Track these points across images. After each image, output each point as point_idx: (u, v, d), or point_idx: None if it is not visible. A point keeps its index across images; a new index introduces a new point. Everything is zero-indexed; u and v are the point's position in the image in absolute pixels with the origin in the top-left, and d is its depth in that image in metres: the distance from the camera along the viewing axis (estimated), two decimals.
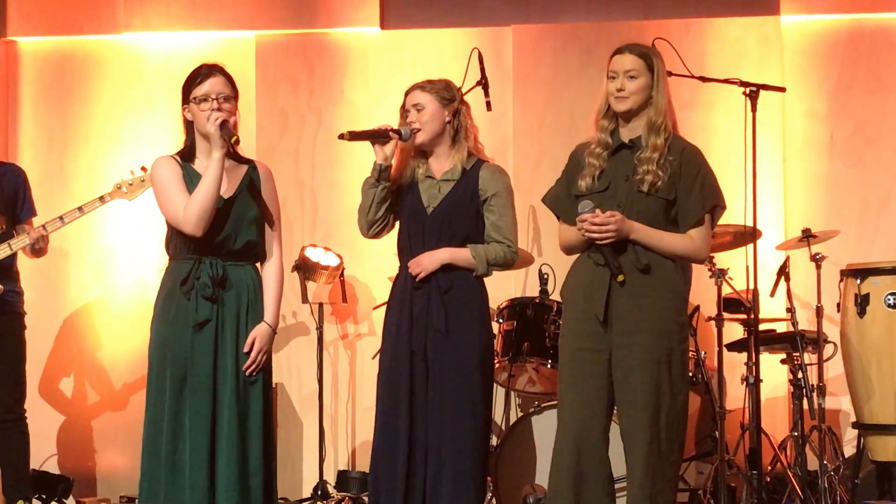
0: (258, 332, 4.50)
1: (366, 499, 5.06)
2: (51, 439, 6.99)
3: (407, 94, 4.74)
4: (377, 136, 4.62)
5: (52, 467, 7.00)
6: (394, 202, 4.73)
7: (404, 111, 4.72)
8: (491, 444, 5.74)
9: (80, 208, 5.81)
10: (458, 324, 4.64)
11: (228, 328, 4.49)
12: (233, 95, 4.56)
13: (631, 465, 4.34)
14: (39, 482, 6.51)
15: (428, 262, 4.64)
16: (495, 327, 5.88)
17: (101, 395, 7.18)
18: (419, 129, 4.64)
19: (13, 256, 5.84)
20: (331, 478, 6.68)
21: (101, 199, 5.81)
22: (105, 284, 7.19)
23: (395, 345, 4.69)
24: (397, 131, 4.62)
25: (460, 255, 4.66)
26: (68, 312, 7.16)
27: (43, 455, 6.86)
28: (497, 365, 5.82)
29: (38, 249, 5.80)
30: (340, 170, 6.97)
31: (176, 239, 4.54)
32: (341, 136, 4.62)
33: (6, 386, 5.88)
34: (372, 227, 4.71)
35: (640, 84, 4.37)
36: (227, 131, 4.42)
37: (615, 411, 4.41)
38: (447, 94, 4.72)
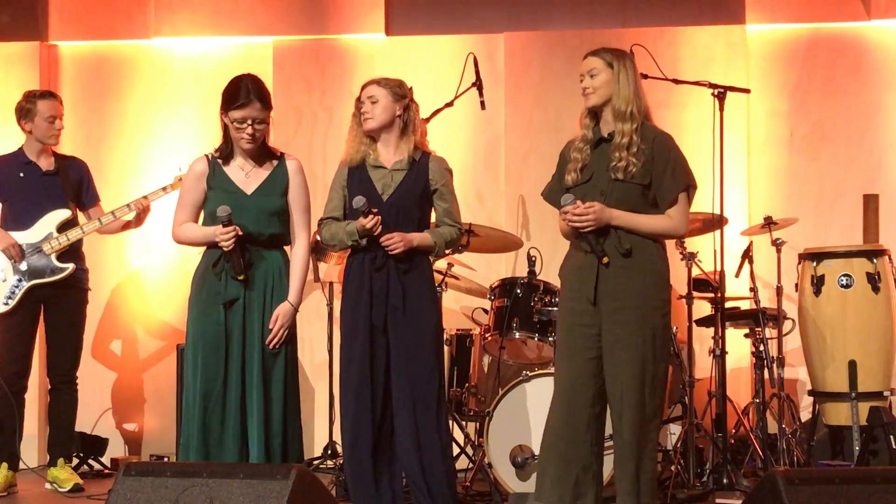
0: (281, 310, 4.54)
1: None
2: (99, 405, 6.97)
3: (364, 87, 4.76)
4: (367, 234, 4.63)
5: (106, 426, 7.00)
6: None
7: (359, 102, 4.74)
8: (483, 409, 5.75)
9: (145, 196, 5.98)
10: (414, 301, 4.67)
11: (255, 306, 4.53)
12: (266, 115, 4.60)
13: (619, 428, 4.36)
14: (81, 443, 6.51)
15: (407, 240, 4.64)
16: (486, 304, 5.88)
17: (145, 356, 7.18)
18: (370, 118, 4.70)
19: (80, 238, 5.90)
20: (339, 439, 6.67)
21: (164, 189, 5.90)
22: (151, 256, 7.19)
23: (355, 319, 4.70)
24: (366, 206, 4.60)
25: (424, 239, 4.71)
26: (115, 283, 7.15)
27: (91, 421, 6.84)
28: (488, 338, 5.83)
29: (138, 220, 6.01)
30: None
31: (210, 226, 4.56)
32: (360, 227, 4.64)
33: (65, 354, 5.94)
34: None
35: (600, 80, 4.41)
36: (232, 267, 4.52)
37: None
38: (400, 90, 4.75)
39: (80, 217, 5.98)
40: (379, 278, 4.66)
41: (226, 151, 4.62)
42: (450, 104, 5.63)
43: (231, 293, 4.49)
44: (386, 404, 4.68)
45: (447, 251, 4.86)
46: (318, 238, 4.88)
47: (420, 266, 4.72)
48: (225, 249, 4.46)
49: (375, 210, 4.58)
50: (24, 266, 5.81)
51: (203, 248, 4.67)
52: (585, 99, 4.45)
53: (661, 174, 4.39)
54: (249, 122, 4.52)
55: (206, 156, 4.66)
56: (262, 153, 4.65)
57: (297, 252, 4.67)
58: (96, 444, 6.69)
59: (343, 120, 7.00)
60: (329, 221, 4.78)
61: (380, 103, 4.68)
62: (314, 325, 6.97)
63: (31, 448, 6.50)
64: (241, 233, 4.45)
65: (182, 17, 7.22)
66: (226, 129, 4.61)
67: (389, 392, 4.68)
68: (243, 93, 4.54)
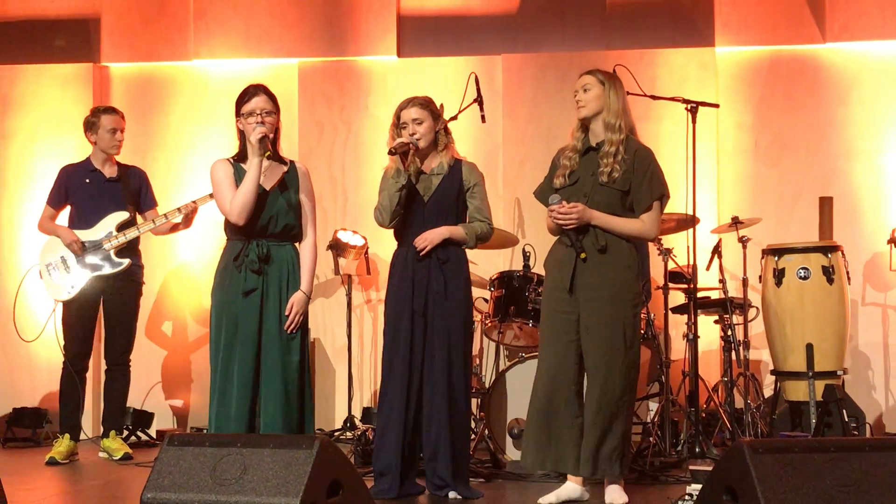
0: (295, 298, 4.52)
1: None
2: (147, 383, 6.99)
3: (403, 109, 4.69)
4: (406, 150, 4.60)
5: (155, 401, 7.03)
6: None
7: (401, 124, 4.69)
8: (484, 387, 5.76)
9: (194, 200, 5.93)
10: (453, 288, 4.65)
11: (272, 295, 4.51)
12: (274, 110, 4.58)
13: (588, 406, 4.37)
14: (130, 416, 6.53)
15: (432, 237, 4.63)
16: (487, 294, 5.89)
17: (190, 340, 7.20)
18: (420, 139, 4.64)
19: (138, 237, 5.94)
20: (357, 413, 6.69)
21: (211, 195, 5.89)
22: (193, 255, 7.20)
23: (398, 306, 4.68)
24: (413, 143, 4.61)
25: (456, 231, 4.67)
26: (162, 277, 7.17)
27: (140, 398, 6.86)
28: (489, 324, 5.84)
29: (187, 221, 5.95)
30: (365, 169, 6.97)
31: (230, 225, 4.55)
32: (391, 153, 4.61)
33: (119, 340, 5.96)
34: (394, 220, 4.69)
35: (592, 94, 4.43)
36: (264, 146, 4.45)
37: None
38: (436, 109, 4.74)
39: (138, 219, 5.99)
40: (421, 268, 4.65)
41: (242, 155, 4.61)
42: (454, 118, 5.62)
43: (250, 284, 4.49)
44: (421, 383, 4.65)
45: (480, 243, 4.79)
46: (377, 220, 4.80)
47: (456, 257, 4.70)
48: (259, 135, 4.44)
49: (409, 142, 4.60)
50: (86, 260, 5.84)
51: (224, 244, 4.67)
52: (578, 111, 4.46)
53: (639, 183, 4.41)
54: (258, 112, 4.51)
55: (224, 159, 4.64)
56: (274, 157, 4.59)
57: (307, 246, 4.64)
58: (144, 419, 6.72)
59: (360, 131, 7.06)
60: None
61: (424, 124, 4.65)
62: (335, 313, 6.99)
63: (87, 421, 6.50)
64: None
65: (218, 41, 7.24)
66: (242, 135, 4.61)
67: (425, 371, 4.64)
68: (251, 90, 4.58)
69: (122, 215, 5.92)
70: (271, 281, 4.51)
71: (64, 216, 6.06)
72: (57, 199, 6.01)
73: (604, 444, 4.31)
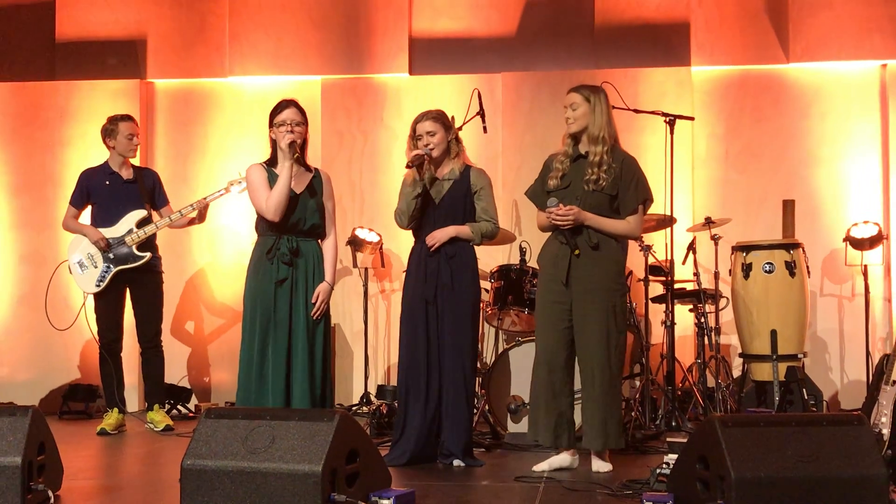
0: (321, 288, 4.56)
1: (395, 404, 5.05)
2: (182, 363, 7.00)
3: (419, 121, 4.69)
4: (421, 161, 4.60)
5: (184, 383, 7.04)
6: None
7: (416, 136, 4.68)
8: (485, 367, 5.76)
9: (205, 198, 5.95)
10: (459, 280, 4.65)
11: (301, 285, 4.54)
12: (303, 121, 4.63)
13: (590, 385, 4.36)
14: (170, 393, 6.54)
15: (441, 235, 4.64)
16: (488, 285, 5.89)
17: (212, 330, 7.20)
18: (433, 148, 4.63)
19: (154, 233, 5.92)
20: (372, 390, 6.69)
21: (220, 192, 5.92)
22: (214, 253, 7.20)
23: (413, 295, 4.69)
24: (427, 153, 4.61)
25: (463, 230, 4.67)
26: (190, 273, 7.17)
27: (178, 376, 6.89)
28: (489, 311, 5.84)
29: (201, 216, 5.95)
30: (380, 174, 6.97)
31: (263, 222, 4.57)
32: (408, 166, 4.61)
33: (149, 324, 5.95)
34: (411, 223, 4.69)
35: (580, 112, 4.42)
36: (293, 150, 4.50)
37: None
38: (448, 122, 4.74)
39: (154, 216, 5.98)
40: (431, 263, 4.65)
41: (273, 160, 4.64)
42: (459, 129, 5.60)
43: (282, 274, 4.51)
44: (434, 364, 4.65)
45: (485, 241, 4.78)
46: (397, 222, 4.80)
47: (463, 252, 4.69)
48: (288, 140, 4.49)
49: (424, 153, 4.60)
50: (110, 255, 5.82)
51: (255, 241, 4.67)
52: (568, 127, 4.45)
53: (625, 189, 4.41)
54: (289, 122, 4.55)
55: (259, 164, 4.66)
56: (300, 164, 4.63)
57: (329, 243, 4.68)
58: (182, 394, 6.73)
59: (376, 140, 7.06)
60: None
61: (437, 135, 4.66)
62: (353, 301, 6.99)
63: (132, 397, 6.52)
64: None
65: (251, 60, 7.24)
66: (274, 143, 4.64)
67: (436, 354, 4.65)
68: (283, 103, 4.63)
69: (141, 213, 5.91)
70: (300, 272, 4.55)
71: (85, 216, 6.04)
72: (79, 199, 5.99)
73: (610, 418, 4.34)
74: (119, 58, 7.32)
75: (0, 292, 7.20)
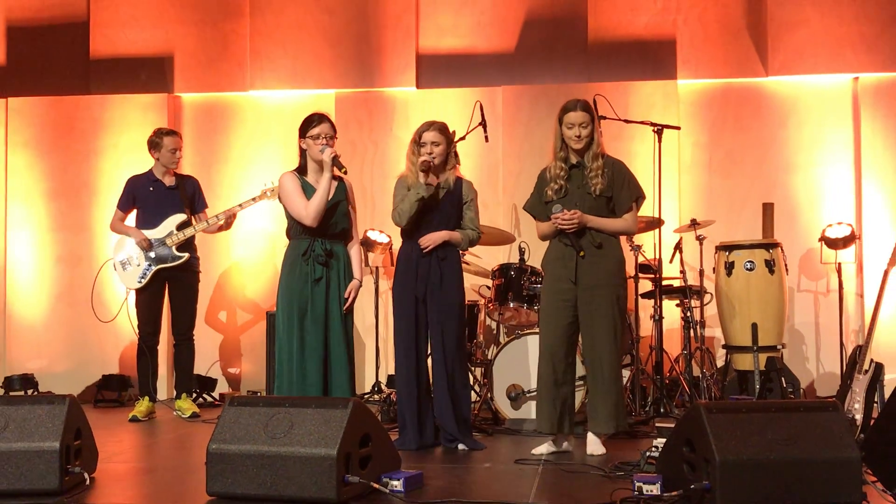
0: (352, 285, 4.65)
1: None
2: (208, 355, 7.00)
3: (424, 130, 4.68)
4: (428, 167, 4.61)
5: (215, 370, 7.05)
6: None
7: (421, 142, 4.67)
8: (487, 358, 5.76)
9: (240, 204, 5.96)
10: (449, 280, 4.67)
11: (334, 283, 4.60)
12: (334, 134, 4.65)
13: (600, 371, 4.39)
14: (198, 382, 6.55)
15: (435, 238, 4.65)
16: (489, 282, 5.88)
17: (242, 321, 7.20)
18: (436, 157, 4.65)
19: (193, 235, 5.96)
20: (383, 379, 6.70)
21: (253, 199, 5.89)
22: (245, 251, 7.20)
23: (404, 293, 4.69)
24: (431, 160, 4.62)
25: (454, 236, 4.70)
26: (222, 269, 7.17)
27: (205, 366, 6.89)
28: (491, 307, 5.83)
29: (228, 224, 5.98)
30: (390, 180, 6.83)
31: (296, 227, 4.61)
32: (423, 169, 4.61)
33: (184, 319, 5.99)
34: (409, 223, 4.68)
35: (590, 130, 4.43)
36: (338, 163, 4.54)
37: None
38: (449, 135, 4.74)
39: (193, 220, 6.00)
40: (423, 263, 4.65)
41: (302, 168, 4.65)
42: (462, 138, 5.63)
43: (318, 273, 4.55)
44: (421, 357, 4.68)
45: (469, 247, 4.84)
46: (394, 221, 4.80)
47: (452, 255, 4.72)
48: (331, 155, 4.50)
49: (429, 160, 4.60)
50: (152, 254, 5.85)
51: (288, 242, 4.68)
52: (576, 143, 4.41)
53: (619, 190, 4.43)
54: (323, 136, 4.56)
55: (291, 172, 4.68)
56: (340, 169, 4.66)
57: (355, 245, 4.74)
58: (208, 384, 6.74)
59: (386, 149, 7.05)
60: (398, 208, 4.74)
61: (440, 146, 4.66)
62: (364, 297, 6.93)
63: (162, 386, 6.52)
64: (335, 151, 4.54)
65: (270, 75, 7.24)
66: (302, 151, 4.64)
67: (425, 348, 4.69)
68: (316, 117, 4.64)
69: (181, 217, 5.93)
70: (333, 272, 4.60)
71: (130, 219, 6.07)
72: (126, 204, 6.02)
73: (619, 403, 4.37)
74: (148, 73, 7.33)
75: (39, 290, 7.21)
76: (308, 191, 4.57)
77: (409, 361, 4.65)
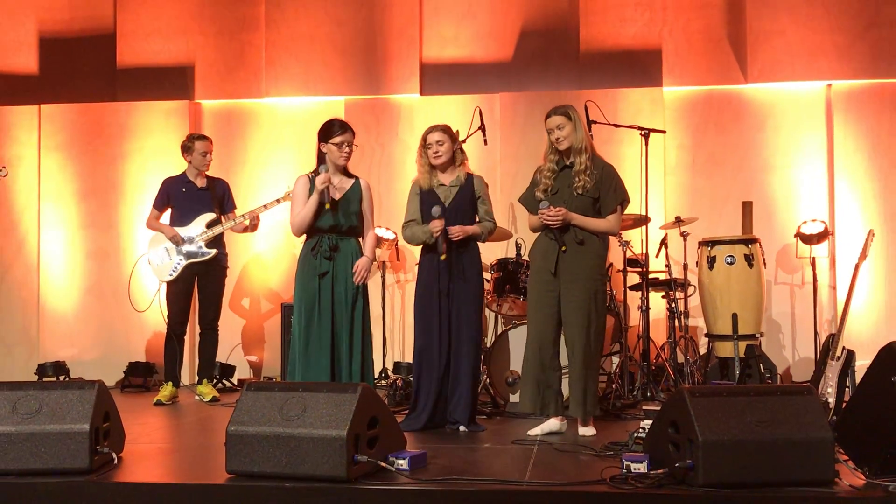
0: (360, 261, 4.64)
1: (410, 378, 5.05)
2: (229, 343, 7.00)
3: (429, 133, 4.68)
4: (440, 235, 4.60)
5: (236, 355, 7.04)
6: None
7: (427, 144, 4.68)
8: (486, 346, 5.76)
9: (264, 205, 5.96)
10: (471, 272, 4.66)
11: (340, 276, 4.59)
12: (354, 140, 4.67)
13: (573, 361, 4.37)
14: (217, 368, 6.54)
15: (465, 230, 4.63)
16: (488, 276, 5.89)
17: (265, 310, 7.19)
18: (441, 156, 4.64)
19: (222, 232, 5.97)
20: (390, 366, 6.70)
21: (277, 200, 5.90)
22: (266, 246, 7.19)
23: (428, 285, 4.67)
24: (440, 213, 4.60)
25: (475, 229, 4.68)
26: (241, 265, 7.15)
27: (224, 354, 6.87)
28: (489, 298, 5.83)
29: (253, 226, 5.99)
30: (396, 180, 6.97)
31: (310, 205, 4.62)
32: (438, 250, 4.60)
33: (209, 310, 6.00)
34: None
35: (566, 131, 4.41)
36: (325, 196, 4.54)
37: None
38: (453, 134, 4.74)
39: (223, 219, 6.00)
40: (446, 258, 4.62)
41: (319, 171, 4.65)
42: (463, 141, 5.61)
43: (323, 268, 4.54)
44: (443, 345, 4.64)
45: (489, 238, 4.80)
46: (402, 236, 4.81)
47: (472, 249, 4.71)
48: (324, 184, 4.52)
49: (443, 219, 4.57)
50: (183, 250, 5.87)
51: (304, 238, 4.69)
52: (558, 145, 4.42)
53: (606, 192, 4.41)
54: (346, 144, 4.57)
55: (306, 175, 4.68)
56: (344, 173, 4.67)
57: (369, 234, 4.74)
58: (228, 370, 6.74)
59: (392, 152, 7.05)
60: (410, 224, 4.73)
61: (445, 145, 4.66)
62: (372, 290, 6.86)
63: (184, 372, 6.53)
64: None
65: (284, 83, 7.23)
66: (320, 155, 4.64)
67: (447, 336, 4.65)
68: (339, 125, 4.63)
69: (210, 216, 5.94)
70: (339, 267, 4.60)
71: (165, 217, 6.07)
72: (161, 203, 6.03)
73: (588, 391, 4.35)
74: (171, 81, 7.33)
75: (70, 284, 7.22)
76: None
77: (431, 351, 4.61)
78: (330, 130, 4.61)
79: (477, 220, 4.75)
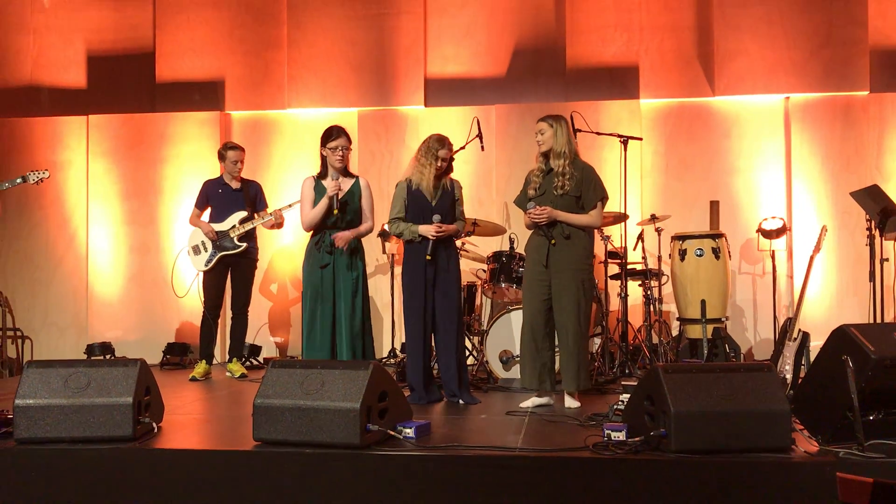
0: (343, 232, 4.61)
1: None
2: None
3: (440, 149, 4.64)
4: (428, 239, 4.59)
5: (262, 335, 7.03)
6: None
7: (436, 157, 4.64)
8: (482, 329, 5.76)
9: (289, 205, 5.95)
10: (453, 264, 4.66)
11: (340, 269, 4.57)
12: (349, 145, 4.65)
13: (565, 342, 4.38)
14: (246, 348, 6.54)
15: (448, 229, 4.62)
16: (485, 266, 5.88)
17: (288, 295, 7.19)
18: (444, 167, 4.65)
19: (254, 228, 5.97)
20: (397, 346, 6.70)
21: (299, 201, 5.89)
22: (293, 238, 7.18)
23: (415, 276, 4.63)
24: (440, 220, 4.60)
25: (455, 228, 4.68)
26: (271, 254, 7.11)
27: (251, 336, 6.84)
28: (486, 287, 5.83)
29: (279, 224, 6.00)
30: None
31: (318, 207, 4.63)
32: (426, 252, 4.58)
33: (241, 297, 6.00)
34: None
35: (546, 136, 4.42)
36: (334, 202, 4.53)
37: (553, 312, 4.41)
38: (452, 151, 4.74)
39: (255, 217, 6.00)
40: (431, 250, 4.61)
41: (322, 172, 4.65)
42: (462, 147, 5.61)
43: (324, 260, 4.54)
44: (428, 329, 4.64)
45: (463, 235, 4.84)
46: (387, 228, 4.83)
47: (453, 244, 4.72)
48: (335, 191, 4.50)
49: (441, 225, 4.55)
50: (218, 243, 5.87)
51: (310, 233, 4.68)
52: (539, 148, 4.46)
53: (587, 190, 4.41)
54: (340, 148, 4.55)
55: (311, 177, 4.69)
56: (345, 173, 4.66)
57: (363, 226, 4.71)
58: (255, 350, 6.74)
59: (399, 157, 7.03)
60: (396, 221, 4.71)
61: (448, 160, 4.68)
62: (382, 280, 7.00)
63: (217, 351, 6.53)
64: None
65: (304, 95, 7.21)
66: (323, 158, 4.64)
67: (431, 321, 4.65)
68: (335, 131, 4.63)
69: (243, 214, 5.94)
70: (339, 258, 4.56)
71: (204, 215, 6.07)
72: (201, 202, 6.05)
73: (581, 366, 4.35)
74: (203, 94, 7.32)
75: (115, 274, 7.23)
76: (319, 193, 4.58)
77: (419, 333, 4.62)
78: (327, 135, 4.62)
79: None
